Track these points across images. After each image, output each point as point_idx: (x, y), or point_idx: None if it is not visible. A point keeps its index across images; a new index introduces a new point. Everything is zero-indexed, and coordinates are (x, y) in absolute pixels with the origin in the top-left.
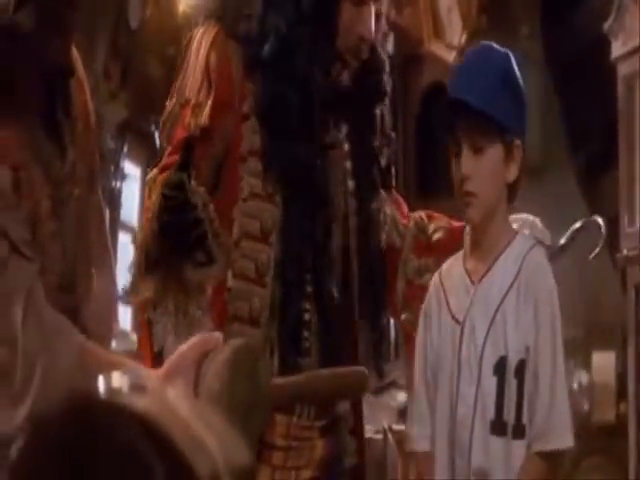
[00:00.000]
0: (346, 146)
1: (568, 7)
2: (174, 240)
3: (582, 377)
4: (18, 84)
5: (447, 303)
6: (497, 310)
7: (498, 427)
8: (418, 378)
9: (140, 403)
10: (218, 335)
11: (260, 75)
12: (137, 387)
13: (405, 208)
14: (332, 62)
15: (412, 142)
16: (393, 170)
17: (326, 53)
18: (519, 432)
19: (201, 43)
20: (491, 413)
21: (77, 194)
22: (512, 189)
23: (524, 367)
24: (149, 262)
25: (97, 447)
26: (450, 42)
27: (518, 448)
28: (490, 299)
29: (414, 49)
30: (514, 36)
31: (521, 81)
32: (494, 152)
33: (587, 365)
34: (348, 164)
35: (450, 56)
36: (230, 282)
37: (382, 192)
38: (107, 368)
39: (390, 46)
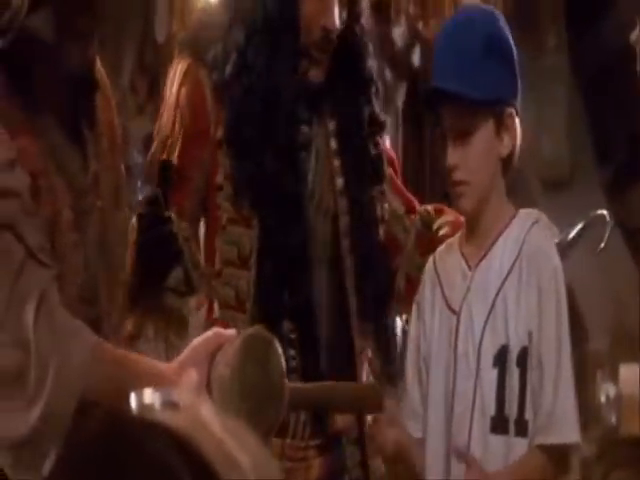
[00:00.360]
0: (333, 143)
1: (594, 18)
2: (151, 258)
3: (609, 389)
4: (38, 92)
5: (442, 291)
6: (497, 295)
7: (499, 424)
8: (410, 373)
9: (173, 419)
10: (232, 331)
11: (226, 97)
12: (169, 404)
13: (413, 201)
14: (297, 61)
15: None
16: (391, 158)
17: (289, 54)
18: (522, 429)
19: (174, 77)
20: (491, 409)
21: (100, 206)
22: (507, 161)
23: (527, 355)
24: (131, 299)
25: (130, 463)
26: None
27: (520, 447)
28: (489, 284)
29: None
30: (540, 48)
31: (510, 41)
32: (484, 131)
33: (614, 377)
34: (336, 161)
35: None
36: (216, 313)
37: (380, 186)
38: (122, 366)
39: (416, 58)
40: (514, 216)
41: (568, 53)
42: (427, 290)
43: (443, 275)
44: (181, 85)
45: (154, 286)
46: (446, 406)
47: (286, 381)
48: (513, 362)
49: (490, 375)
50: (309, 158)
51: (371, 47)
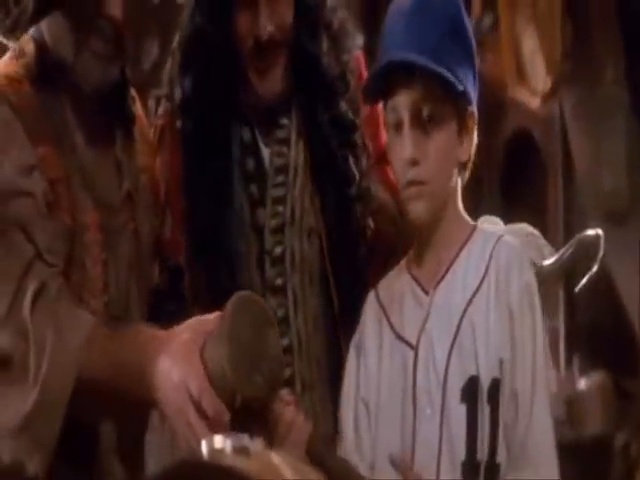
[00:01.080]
0: (301, 155)
1: None
2: None
3: None
4: (66, 112)
5: (389, 323)
6: (461, 319)
7: (470, 471)
8: (345, 425)
9: (244, 464)
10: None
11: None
12: (241, 449)
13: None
14: (233, 83)
15: (496, 189)
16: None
17: (225, 76)
18: (493, 474)
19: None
20: (461, 454)
21: (133, 228)
22: (462, 170)
23: (498, 387)
24: None
25: None
26: (534, 88)
27: None
28: (451, 307)
29: (497, 95)
30: (599, 81)
31: (470, 31)
32: (447, 126)
33: None
34: (313, 178)
35: (534, 102)
36: None
37: (361, 187)
38: (115, 340)
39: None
40: (474, 229)
41: (626, 85)
42: (368, 327)
43: (389, 305)
44: (158, 145)
45: None
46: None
47: (279, 338)
48: (484, 396)
49: (458, 413)
50: (287, 180)
51: (326, 45)
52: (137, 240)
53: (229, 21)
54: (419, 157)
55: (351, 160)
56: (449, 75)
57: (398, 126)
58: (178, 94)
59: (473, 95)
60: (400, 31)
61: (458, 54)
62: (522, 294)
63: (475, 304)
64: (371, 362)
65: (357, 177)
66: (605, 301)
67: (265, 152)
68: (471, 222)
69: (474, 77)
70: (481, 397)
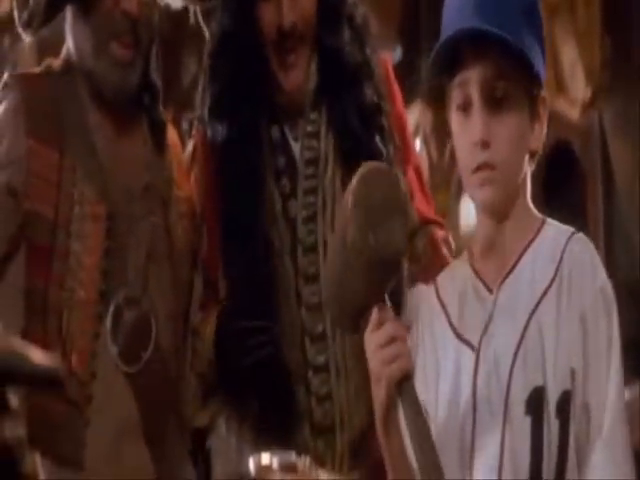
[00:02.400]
0: (331, 146)
1: None
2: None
3: None
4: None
5: (449, 321)
6: (528, 322)
7: None
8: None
9: None
10: None
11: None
12: (288, 466)
13: (423, 212)
14: (260, 82)
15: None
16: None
17: (252, 75)
18: None
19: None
20: (524, 471)
21: (154, 222)
22: (531, 160)
23: (569, 401)
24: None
25: None
26: (574, 98)
27: None
28: (517, 309)
29: None
30: (638, 91)
31: (541, 16)
32: (519, 108)
33: None
34: (335, 163)
35: (574, 113)
36: None
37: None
38: None
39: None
40: (543, 223)
41: None
42: (426, 324)
43: (450, 302)
44: (191, 165)
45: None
46: (462, 472)
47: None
48: (552, 410)
49: (522, 425)
50: (317, 171)
51: (348, 36)
52: (155, 233)
53: (253, 17)
54: (490, 139)
55: (377, 139)
56: (527, 51)
57: (466, 105)
58: (207, 99)
59: (543, 79)
60: (470, 1)
61: (531, 36)
62: (597, 298)
63: (544, 306)
64: (429, 362)
65: (384, 154)
66: None
67: (295, 147)
68: (540, 215)
69: (544, 64)
70: (547, 410)
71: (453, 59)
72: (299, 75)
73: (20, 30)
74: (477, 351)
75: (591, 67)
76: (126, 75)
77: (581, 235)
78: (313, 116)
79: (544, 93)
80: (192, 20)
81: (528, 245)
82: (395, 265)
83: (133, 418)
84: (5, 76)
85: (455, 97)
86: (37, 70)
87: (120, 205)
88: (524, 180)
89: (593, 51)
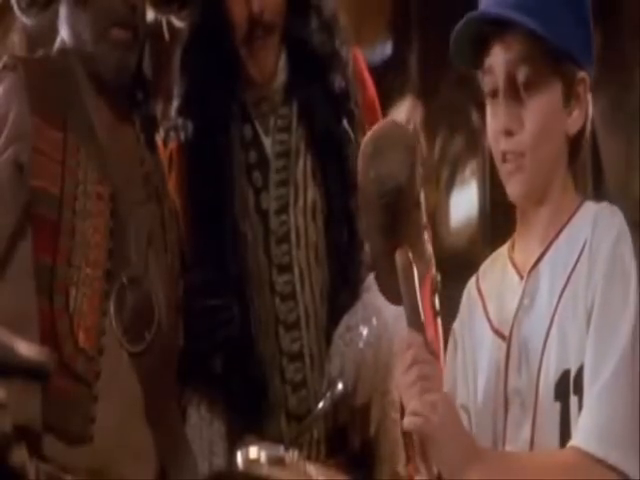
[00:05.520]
0: (302, 138)
1: None
2: None
3: None
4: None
5: (486, 313)
6: (557, 306)
7: None
8: None
9: (279, 475)
10: None
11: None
12: (276, 460)
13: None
14: (230, 76)
15: None
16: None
17: (221, 70)
18: None
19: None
20: None
21: (154, 209)
22: (574, 144)
23: (582, 375)
24: None
25: None
26: None
27: None
28: (547, 293)
29: None
30: (628, 86)
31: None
32: (549, 93)
33: None
34: (306, 154)
35: None
36: None
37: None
38: None
39: None
40: (579, 206)
41: None
42: (465, 313)
43: (488, 292)
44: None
45: None
46: None
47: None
48: (571, 389)
49: (552, 413)
50: (289, 163)
51: (316, 27)
52: (153, 220)
53: (223, 10)
54: (513, 127)
55: (346, 125)
56: (550, 36)
57: (494, 93)
58: (177, 96)
59: (587, 62)
60: None
61: (564, 14)
62: (614, 263)
63: (571, 286)
64: (469, 360)
65: (353, 140)
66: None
67: (267, 141)
68: (579, 197)
69: (589, 43)
70: (571, 391)
71: (480, 44)
72: (268, 61)
73: (19, 14)
74: (508, 341)
75: None
76: (126, 57)
77: (612, 207)
78: (284, 111)
79: (583, 74)
80: (165, 31)
81: (562, 228)
82: (398, 199)
83: (137, 397)
84: (5, 57)
85: (485, 84)
86: (35, 56)
87: (121, 189)
88: (559, 164)
89: None
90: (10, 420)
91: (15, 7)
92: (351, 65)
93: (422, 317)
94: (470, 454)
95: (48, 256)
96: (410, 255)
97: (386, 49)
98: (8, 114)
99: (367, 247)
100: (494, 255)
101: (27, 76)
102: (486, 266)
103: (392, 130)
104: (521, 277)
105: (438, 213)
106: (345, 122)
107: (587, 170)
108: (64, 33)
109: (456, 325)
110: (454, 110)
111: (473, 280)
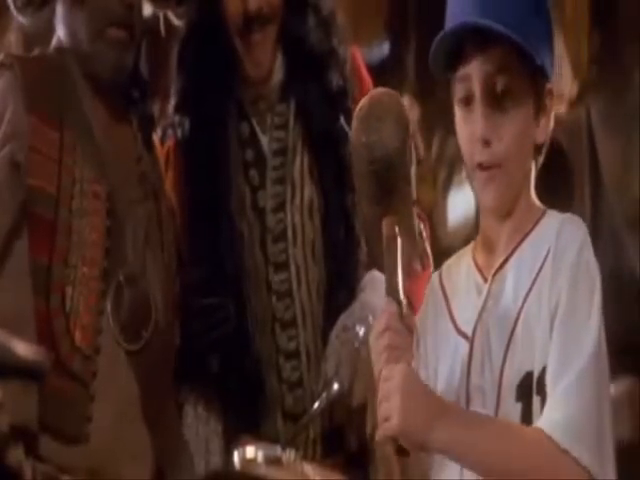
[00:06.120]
0: (299, 136)
1: None
2: None
3: None
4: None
5: (449, 313)
6: (520, 310)
7: None
8: None
9: (276, 474)
10: None
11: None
12: (272, 459)
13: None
14: (227, 72)
15: None
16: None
17: (218, 66)
18: None
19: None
20: None
21: (151, 208)
22: (537, 153)
23: (544, 375)
24: None
25: None
26: (561, 93)
27: None
28: (510, 296)
29: None
30: (626, 86)
31: (550, 10)
32: (524, 102)
33: None
34: (303, 151)
35: (561, 108)
36: None
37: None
38: None
39: None
40: (541, 216)
41: None
42: (430, 312)
43: (451, 291)
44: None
45: None
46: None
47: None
48: (534, 390)
49: (513, 413)
50: (285, 161)
51: (314, 24)
52: (150, 219)
53: (219, 6)
54: (491, 137)
55: (343, 121)
56: (527, 45)
57: (468, 100)
58: (174, 94)
59: (552, 72)
60: None
61: (537, 29)
62: (578, 268)
63: (535, 290)
64: (431, 359)
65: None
66: (633, 305)
67: (264, 139)
68: (541, 207)
69: (552, 56)
70: (533, 392)
71: (455, 53)
72: (265, 59)
73: (15, 13)
74: (471, 341)
75: (578, 62)
76: (122, 56)
77: (575, 217)
78: (281, 108)
79: (550, 85)
80: (162, 27)
81: (526, 235)
82: (387, 168)
83: (134, 396)
84: (1, 56)
85: (457, 91)
86: (31, 55)
87: (118, 188)
88: (528, 174)
89: (580, 45)
90: (7, 420)
91: (11, 6)
92: (349, 63)
93: (400, 288)
94: (436, 410)
95: (44, 255)
96: (396, 227)
97: (383, 49)
98: (4, 113)
99: (363, 242)
100: (460, 253)
101: (23, 75)
102: (451, 264)
103: (389, 100)
104: (485, 279)
105: (436, 213)
106: (342, 120)
107: (585, 173)
108: (60, 32)
109: (419, 322)
110: (451, 110)
111: (436, 275)
